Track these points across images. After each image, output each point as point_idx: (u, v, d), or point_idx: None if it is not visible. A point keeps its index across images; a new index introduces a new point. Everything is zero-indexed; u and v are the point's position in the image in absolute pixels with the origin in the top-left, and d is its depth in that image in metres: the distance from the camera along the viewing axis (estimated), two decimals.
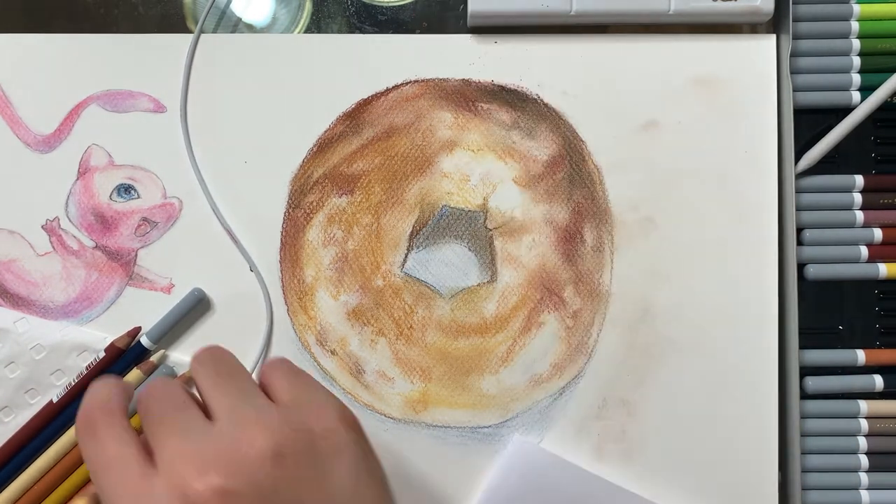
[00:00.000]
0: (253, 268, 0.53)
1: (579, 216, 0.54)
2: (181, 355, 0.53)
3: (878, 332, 0.54)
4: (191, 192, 0.53)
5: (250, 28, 0.55)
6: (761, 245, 0.53)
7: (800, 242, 0.54)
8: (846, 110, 0.53)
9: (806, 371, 0.53)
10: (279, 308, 0.53)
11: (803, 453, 0.53)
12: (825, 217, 0.54)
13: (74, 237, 0.53)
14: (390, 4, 0.55)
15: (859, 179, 0.54)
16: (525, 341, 0.53)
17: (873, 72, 0.54)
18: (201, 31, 0.54)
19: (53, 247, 0.53)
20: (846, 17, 0.54)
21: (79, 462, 0.52)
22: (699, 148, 0.54)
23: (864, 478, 0.53)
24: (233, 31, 0.55)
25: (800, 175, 0.54)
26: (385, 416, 0.53)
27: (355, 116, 0.54)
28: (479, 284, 0.54)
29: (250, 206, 0.53)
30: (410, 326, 0.53)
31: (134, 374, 0.51)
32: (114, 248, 0.53)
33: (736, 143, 0.54)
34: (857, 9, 0.54)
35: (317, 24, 0.55)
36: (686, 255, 0.53)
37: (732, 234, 0.53)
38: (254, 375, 0.52)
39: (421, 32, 0.55)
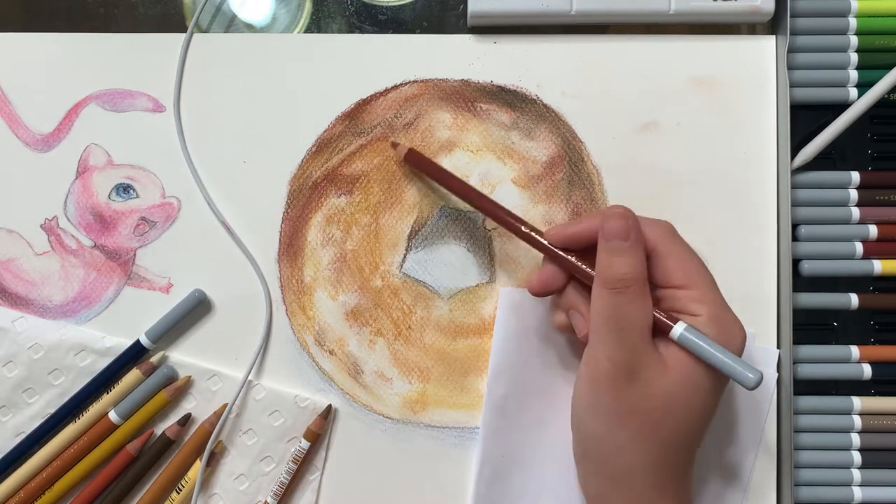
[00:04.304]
0: (255, 266, 0.53)
1: (578, 217, 0.54)
2: (180, 355, 0.53)
3: (873, 328, 0.55)
4: (190, 191, 0.53)
5: (250, 28, 0.55)
6: (760, 245, 0.54)
7: (795, 238, 0.54)
8: (843, 106, 0.53)
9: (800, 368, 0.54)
10: (277, 308, 0.53)
11: (796, 449, 0.53)
12: (821, 213, 0.54)
13: (73, 236, 0.53)
14: (390, 4, 0.54)
15: (855, 176, 0.54)
16: None
17: (871, 68, 0.54)
18: (194, 31, 0.54)
19: (52, 246, 0.53)
20: (844, 14, 0.54)
21: (71, 462, 0.52)
22: (698, 149, 0.54)
23: (856, 474, 0.54)
24: (233, 31, 0.54)
25: (796, 171, 0.54)
26: (383, 416, 0.53)
27: (354, 116, 0.54)
28: (477, 285, 0.54)
29: (249, 205, 0.53)
30: (409, 327, 0.53)
31: (133, 375, 0.52)
32: (112, 247, 0.53)
33: (735, 144, 0.54)
34: (855, 5, 0.54)
35: (317, 24, 0.54)
36: None
37: (731, 234, 0.54)
38: (253, 371, 0.53)
39: (421, 32, 0.55)
